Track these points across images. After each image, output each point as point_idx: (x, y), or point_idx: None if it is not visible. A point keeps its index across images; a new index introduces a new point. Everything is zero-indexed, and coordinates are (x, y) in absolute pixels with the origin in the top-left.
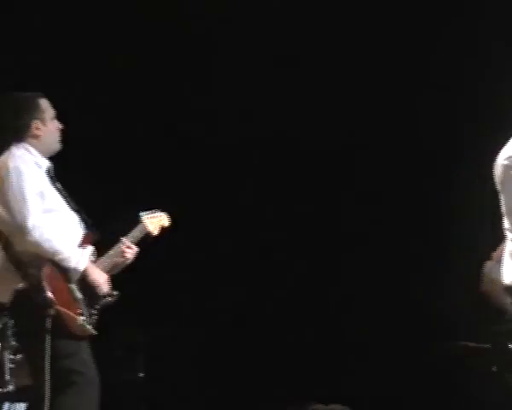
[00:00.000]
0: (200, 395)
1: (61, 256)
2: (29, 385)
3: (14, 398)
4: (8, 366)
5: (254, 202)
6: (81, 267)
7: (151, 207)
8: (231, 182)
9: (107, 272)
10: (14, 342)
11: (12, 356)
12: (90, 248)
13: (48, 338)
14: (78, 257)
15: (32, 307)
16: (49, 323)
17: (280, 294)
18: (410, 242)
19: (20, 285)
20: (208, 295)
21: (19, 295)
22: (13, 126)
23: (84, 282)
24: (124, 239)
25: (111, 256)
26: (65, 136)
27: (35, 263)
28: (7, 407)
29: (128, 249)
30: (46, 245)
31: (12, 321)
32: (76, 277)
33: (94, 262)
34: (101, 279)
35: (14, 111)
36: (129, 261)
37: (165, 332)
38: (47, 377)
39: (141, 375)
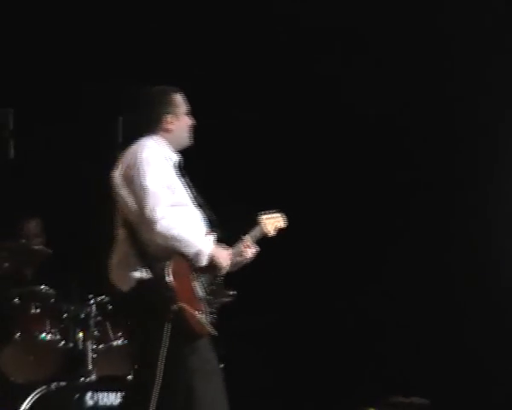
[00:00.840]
0: (275, 393)
1: (188, 244)
2: (113, 375)
3: (96, 387)
4: (91, 355)
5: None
6: (207, 250)
7: (269, 207)
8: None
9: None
10: (96, 332)
11: (94, 346)
12: (212, 236)
13: (167, 334)
14: (205, 242)
15: (153, 299)
16: (170, 319)
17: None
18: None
19: (143, 275)
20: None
21: (141, 285)
22: (146, 119)
23: (206, 280)
24: (246, 237)
25: (232, 254)
26: (195, 131)
27: (161, 255)
28: (90, 396)
29: (248, 249)
30: (173, 236)
31: (94, 311)
32: (203, 261)
33: None
34: (225, 261)
35: (148, 104)
36: (247, 261)
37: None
38: (158, 372)
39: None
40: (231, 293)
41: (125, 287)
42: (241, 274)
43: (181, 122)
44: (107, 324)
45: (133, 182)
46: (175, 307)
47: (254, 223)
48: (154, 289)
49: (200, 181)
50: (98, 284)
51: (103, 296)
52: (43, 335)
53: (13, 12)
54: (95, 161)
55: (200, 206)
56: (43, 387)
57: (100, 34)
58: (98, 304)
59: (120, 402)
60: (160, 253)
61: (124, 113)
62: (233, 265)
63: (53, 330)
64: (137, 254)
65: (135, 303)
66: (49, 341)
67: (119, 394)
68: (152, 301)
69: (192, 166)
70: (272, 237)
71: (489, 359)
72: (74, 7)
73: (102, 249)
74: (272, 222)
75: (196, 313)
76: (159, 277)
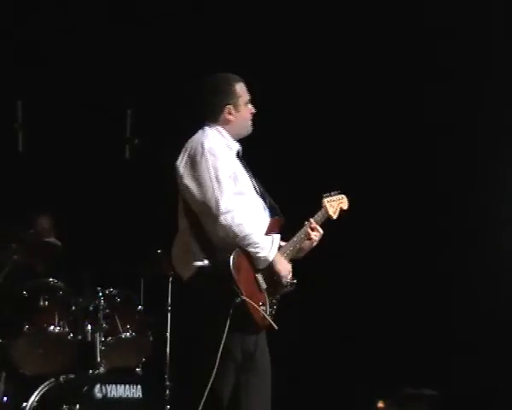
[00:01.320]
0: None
1: (251, 242)
2: (122, 368)
3: (105, 380)
4: (100, 348)
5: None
6: (270, 257)
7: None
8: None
9: (290, 259)
10: (104, 325)
11: (103, 338)
12: (278, 237)
13: (227, 326)
14: (269, 246)
15: (215, 291)
16: (231, 311)
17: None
18: None
19: (205, 264)
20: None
21: (202, 273)
22: (206, 108)
23: (269, 271)
24: (311, 220)
25: (295, 242)
26: (256, 120)
27: (224, 247)
28: (98, 388)
29: (314, 232)
30: (237, 229)
31: (103, 303)
32: (264, 266)
33: (280, 248)
34: (285, 270)
35: (209, 93)
36: (314, 244)
37: None
38: (216, 362)
39: None
40: (292, 282)
41: (186, 274)
42: None
43: (241, 113)
44: (116, 316)
45: (198, 171)
46: (238, 300)
47: (318, 206)
48: (217, 281)
49: (261, 168)
50: (107, 276)
51: (112, 289)
52: (52, 327)
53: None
54: (104, 153)
55: (261, 194)
56: (52, 379)
57: (108, 24)
58: (107, 297)
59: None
60: (223, 244)
61: (132, 106)
62: (299, 251)
63: (62, 323)
64: (200, 244)
65: (194, 291)
66: (58, 333)
67: (127, 386)
68: (213, 292)
69: (254, 154)
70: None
71: (498, 352)
72: None
73: (111, 243)
74: (335, 204)
75: (258, 306)
76: (222, 268)
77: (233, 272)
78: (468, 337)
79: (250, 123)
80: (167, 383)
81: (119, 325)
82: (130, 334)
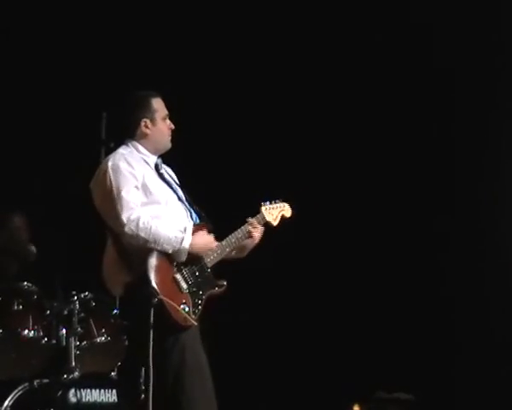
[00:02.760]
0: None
1: (161, 241)
2: (96, 372)
3: (79, 384)
4: (74, 352)
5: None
6: (186, 244)
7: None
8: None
9: (226, 255)
10: (79, 329)
11: (77, 343)
12: (190, 224)
13: (151, 329)
14: (180, 235)
15: (137, 299)
16: (152, 314)
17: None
18: None
19: (129, 278)
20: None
21: (127, 288)
22: (123, 124)
23: (190, 268)
24: (250, 219)
25: (229, 241)
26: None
27: (140, 255)
28: (73, 393)
29: (255, 228)
30: (144, 234)
31: (78, 308)
32: (183, 256)
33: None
34: (205, 247)
35: (125, 109)
36: (256, 241)
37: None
38: (151, 372)
39: None
40: (221, 283)
41: (117, 293)
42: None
43: (158, 127)
44: (91, 321)
45: (104, 188)
46: (155, 300)
47: (256, 212)
48: (137, 289)
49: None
50: (82, 280)
51: (86, 293)
52: (26, 332)
53: None
54: (78, 156)
55: (188, 204)
56: (26, 384)
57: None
58: (81, 301)
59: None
60: (140, 252)
61: (108, 109)
62: (239, 249)
63: (36, 327)
64: (122, 258)
65: (124, 307)
66: (32, 338)
67: (102, 391)
68: (136, 301)
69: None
70: (276, 227)
71: (474, 355)
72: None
73: (86, 246)
74: (275, 212)
75: (178, 305)
76: (140, 275)
77: (149, 274)
78: (444, 340)
79: (168, 138)
80: (142, 388)
81: (94, 329)
82: (105, 338)
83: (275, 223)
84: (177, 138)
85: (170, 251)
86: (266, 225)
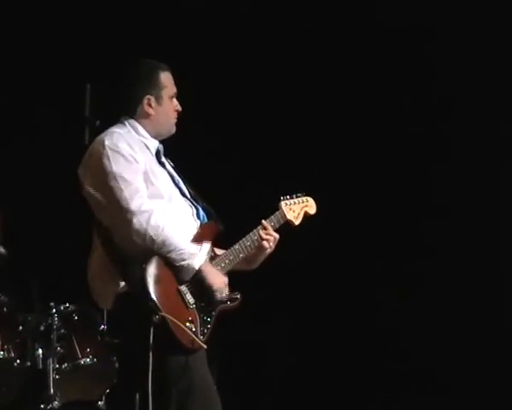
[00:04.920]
0: None
1: (171, 248)
2: (81, 401)
3: None
4: (53, 376)
5: None
6: (196, 265)
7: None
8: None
9: (233, 267)
10: (59, 348)
11: (57, 365)
12: (207, 246)
13: (151, 351)
14: (194, 252)
15: (133, 313)
16: (152, 333)
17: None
18: None
19: (121, 288)
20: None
21: (119, 299)
22: (124, 98)
23: (198, 283)
24: (264, 222)
25: (237, 251)
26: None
27: (138, 260)
28: None
29: (267, 236)
30: (154, 233)
31: (58, 322)
32: (188, 276)
33: (214, 258)
34: (218, 283)
35: (127, 81)
36: (268, 251)
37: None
38: (150, 401)
39: None
40: (234, 297)
41: (105, 305)
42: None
43: (164, 107)
44: (73, 338)
45: (101, 173)
46: (156, 318)
47: (275, 209)
48: (133, 301)
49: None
50: (62, 289)
51: (68, 305)
52: None
53: None
54: (58, 137)
55: (192, 199)
56: None
57: None
58: (62, 314)
59: None
60: (138, 255)
61: (92, 80)
62: (249, 260)
63: (6, 347)
64: (114, 263)
65: (115, 321)
66: (2, 359)
67: None
68: (132, 315)
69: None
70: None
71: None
72: None
73: (67, 250)
74: (297, 208)
75: (184, 324)
76: (137, 284)
77: (148, 285)
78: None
79: (174, 121)
80: None
81: (77, 348)
82: (91, 359)
83: (297, 222)
84: (181, 122)
85: (176, 264)
86: (287, 224)
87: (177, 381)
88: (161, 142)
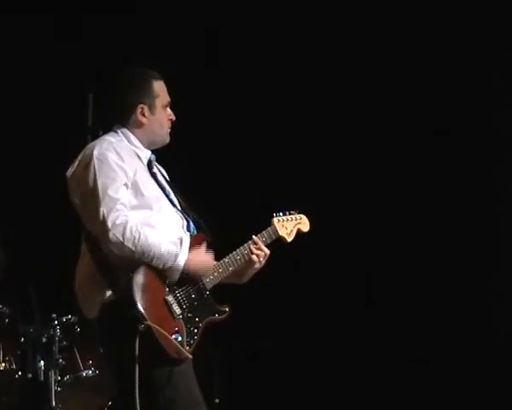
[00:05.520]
0: None
1: (151, 255)
2: None
3: None
4: (55, 388)
5: None
6: (181, 263)
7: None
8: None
9: (222, 279)
10: (61, 360)
11: (59, 377)
12: (187, 237)
13: (137, 361)
14: (175, 252)
15: (119, 322)
16: (138, 342)
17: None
18: None
19: (107, 296)
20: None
21: (105, 308)
22: (116, 106)
23: (186, 291)
24: (254, 238)
25: (226, 264)
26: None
27: (126, 268)
28: None
29: (257, 251)
30: (131, 244)
31: (59, 334)
32: (176, 275)
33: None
34: (203, 267)
35: (120, 89)
36: (257, 266)
37: (245, 350)
38: (137, 407)
39: (216, 401)
40: (223, 309)
41: (91, 314)
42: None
43: (157, 116)
44: (75, 349)
45: (85, 183)
46: (142, 327)
47: (268, 225)
48: (120, 311)
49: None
50: (63, 300)
51: (70, 316)
52: None
53: None
54: (61, 145)
55: (183, 211)
56: None
57: None
58: (63, 325)
59: None
60: (125, 264)
61: (95, 90)
62: (239, 274)
63: (7, 358)
64: (101, 271)
65: (101, 330)
66: (4, 371)
67: None
68: (118, 324)
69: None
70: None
71: None
72: None
73: (69, 259)
74: (290, 225)
75: (170, 334)
76: (122, 293)
77: (135, 294)
78: None
79: (167, 131)
80: None
81: (79, 360)
82: (93, 372)
83: (289, 239)
84: (175, 133)
85: (161, 267)
86: (279, 240)
87: (162, 390)
88: (154, 151)
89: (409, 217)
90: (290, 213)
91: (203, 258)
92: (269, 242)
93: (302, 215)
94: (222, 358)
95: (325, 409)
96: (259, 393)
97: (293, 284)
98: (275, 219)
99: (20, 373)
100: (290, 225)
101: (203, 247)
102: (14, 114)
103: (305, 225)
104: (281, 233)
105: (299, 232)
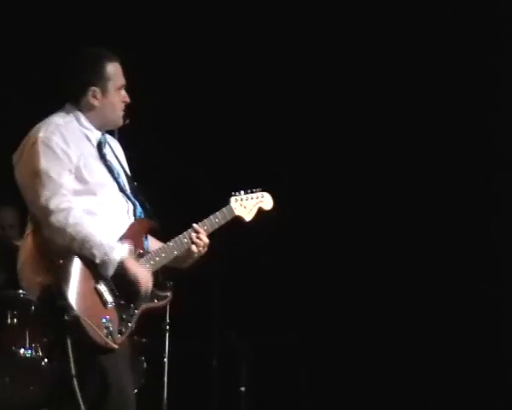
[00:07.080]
0: None
1: (91, 244)
2: None
3: None
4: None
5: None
6: (117, 257)
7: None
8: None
9: (167, 264)
10: None
11: None
12: (129, 241)
13: (70, 349)
14: (114, 245)
15: (50, 310)
16: (67, 332)
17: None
18: None
19: (46, 279)
20: (319, 300)
21: (43, 292)
22: (68, 87)
23: (120, 280)
24: (194, 226)
25: (168, 249)
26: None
27: (62, 254)
28: None
29: (197, 239)
30: (72, 230)
31: None
32: (111, 271)
33: (145, 254)
34: (142, 280)
35: (73, 70)
36: (196, 255)
37: (271, 341)
38: (78, 395)
39: (242, 389)
40: (163, 295)
41: (32, 295)
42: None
43: (109, 99)
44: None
45: (28, 166)
46: (68, 316)
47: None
48: (51, 297)
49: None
50: None
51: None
52: (22, 351)
53: None
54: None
55: (132, 194)
56: None
57: None
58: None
59: None
60: (63, 252)
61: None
62: (181, 259)
63: (34, 345)
64: (39, 254)
65: (44, 315)
66: (30, 358)
67: None
68: (52, 311)
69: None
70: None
71: None
72: None
73: None
74: (251, 204)
75: (97, 324)
76: (58, 280)
77: (64, 283)
78: None
79: (121, 113)
80: None
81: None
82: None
83: (248, 217)
84: (133, 110)
85: (97, 260)
86: (237, 220)
87: (91, 379)
88: (110, 132)
89: (409, 217)
90: (252, 192)
91: (142, 270)
92: (223, 222)
93: (264, 193)
94: (249, 348)
95: (349, 399)
96: (284, 383)
97: (321, 278)
98: (232, 199)
99: (46, 361)
100: (250, 204)
101: (146, 269)
102: (15, 118)
103: (267, 204)
104: (237, 213)
105: (260, 211)
